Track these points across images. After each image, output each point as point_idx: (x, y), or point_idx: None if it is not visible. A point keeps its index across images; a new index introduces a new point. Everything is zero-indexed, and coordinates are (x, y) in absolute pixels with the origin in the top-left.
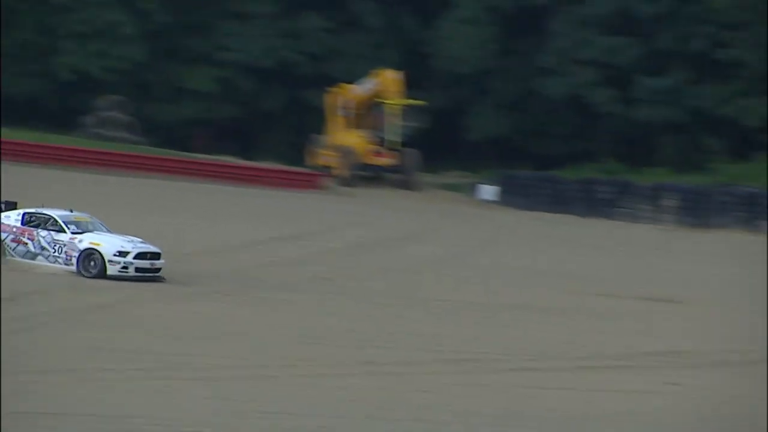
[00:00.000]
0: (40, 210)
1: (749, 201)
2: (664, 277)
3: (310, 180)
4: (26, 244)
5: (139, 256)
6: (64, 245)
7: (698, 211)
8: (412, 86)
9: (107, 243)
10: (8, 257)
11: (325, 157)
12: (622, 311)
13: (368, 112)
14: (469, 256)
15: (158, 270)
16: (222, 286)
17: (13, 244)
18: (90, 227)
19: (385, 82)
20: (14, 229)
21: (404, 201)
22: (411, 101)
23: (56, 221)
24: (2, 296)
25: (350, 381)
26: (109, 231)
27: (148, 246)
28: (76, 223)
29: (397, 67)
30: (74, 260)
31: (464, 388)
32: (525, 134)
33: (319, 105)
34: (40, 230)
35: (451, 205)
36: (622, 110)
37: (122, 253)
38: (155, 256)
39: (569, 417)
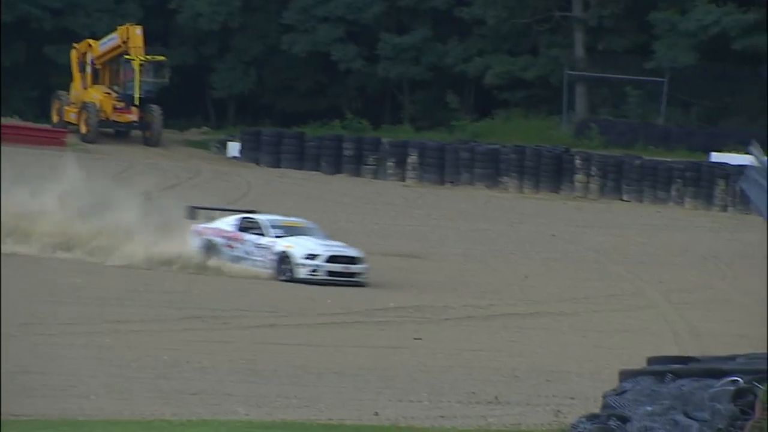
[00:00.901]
0: (253, 215)
1: (491, 158)
2: (409, 233)
3: (54, 137)
4: (234, 248)
5: (332, 259)
6: (264, 249)
7: (442, 168)
8: (158, 42)
9: (299, 246)
10: (220, 260)
11: (69, 113)
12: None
13: (112, 68)
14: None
15: (354, 274)
16: None
17: (225, 248)
18: (302, 232)
19: (128, 38)
20: (228, 234)
21: (149, 158)
22: (154, 57)
23: (261, 225)
24: None
25: (96, 339)
26: (324, 237)
27: (344, 250)
28: (285, 228)
29: (141, 22)
30: (272, 263)
31: (209, 345)
32: (270, 91)
33: (62, 61)
34: (247, 235)
35: (197, 162)
36: (366, 67)
37: (312, 256)
38: (351, 260)
39: (313, 372)
